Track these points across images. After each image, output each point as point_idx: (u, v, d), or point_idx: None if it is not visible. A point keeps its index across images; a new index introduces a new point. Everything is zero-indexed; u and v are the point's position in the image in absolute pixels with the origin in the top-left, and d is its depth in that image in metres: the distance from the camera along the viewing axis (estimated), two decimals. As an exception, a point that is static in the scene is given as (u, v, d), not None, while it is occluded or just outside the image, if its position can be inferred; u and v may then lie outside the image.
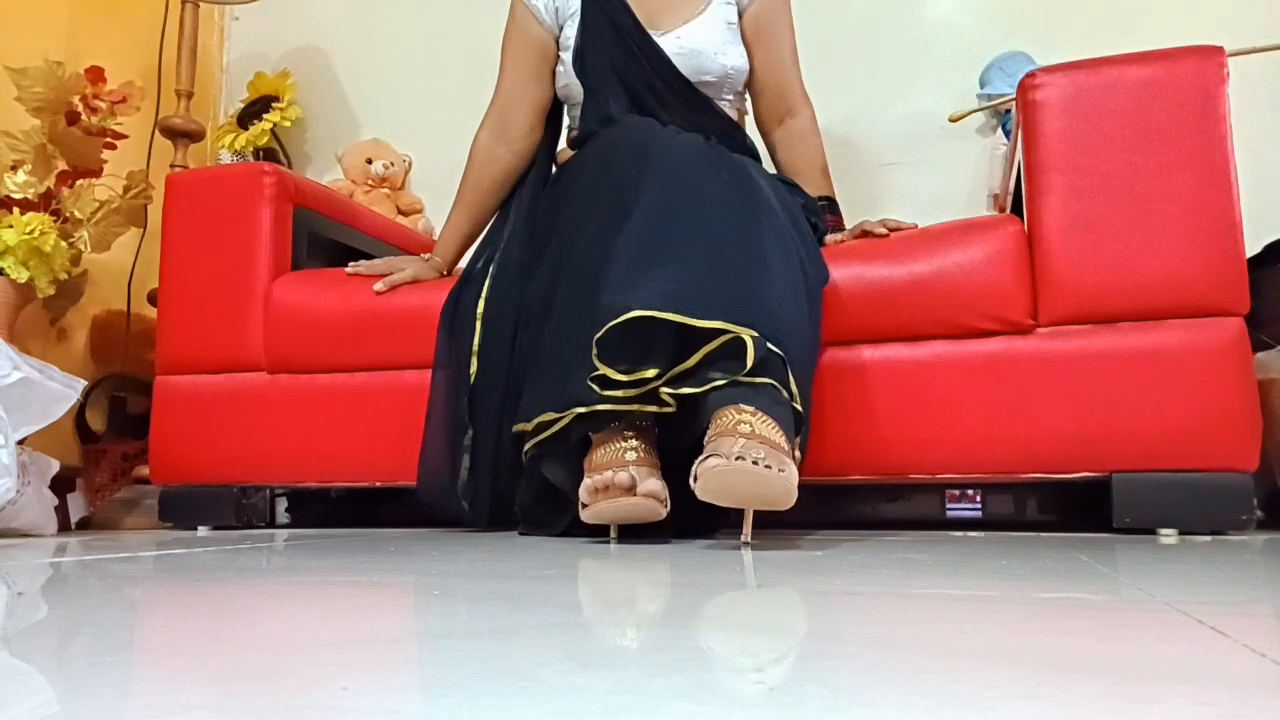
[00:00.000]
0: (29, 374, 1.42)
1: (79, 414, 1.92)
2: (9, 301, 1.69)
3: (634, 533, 1.09)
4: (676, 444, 1.08)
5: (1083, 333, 1.22)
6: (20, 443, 1.44)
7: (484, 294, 1.40)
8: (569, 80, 1.46)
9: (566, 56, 1.46)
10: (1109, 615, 0.53)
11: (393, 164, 2.25)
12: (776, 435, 0.92)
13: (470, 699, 0.33)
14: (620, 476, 1.00)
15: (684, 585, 0.69)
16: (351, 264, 1.57)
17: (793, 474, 0.90)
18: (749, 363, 0.95)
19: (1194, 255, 1.18)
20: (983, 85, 1.95)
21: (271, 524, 1.64)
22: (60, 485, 1.67)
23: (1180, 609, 0.53)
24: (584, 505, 1.05)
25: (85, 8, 2.12)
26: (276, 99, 2.29)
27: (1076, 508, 1.63)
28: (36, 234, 1.65)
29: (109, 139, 1.83)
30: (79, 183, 1.79)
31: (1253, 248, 1.40)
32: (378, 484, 1.50)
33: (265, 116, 2.24)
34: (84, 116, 1.79)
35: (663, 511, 1.02)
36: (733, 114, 1.49)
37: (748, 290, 1.00)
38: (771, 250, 1.07)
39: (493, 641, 0.45)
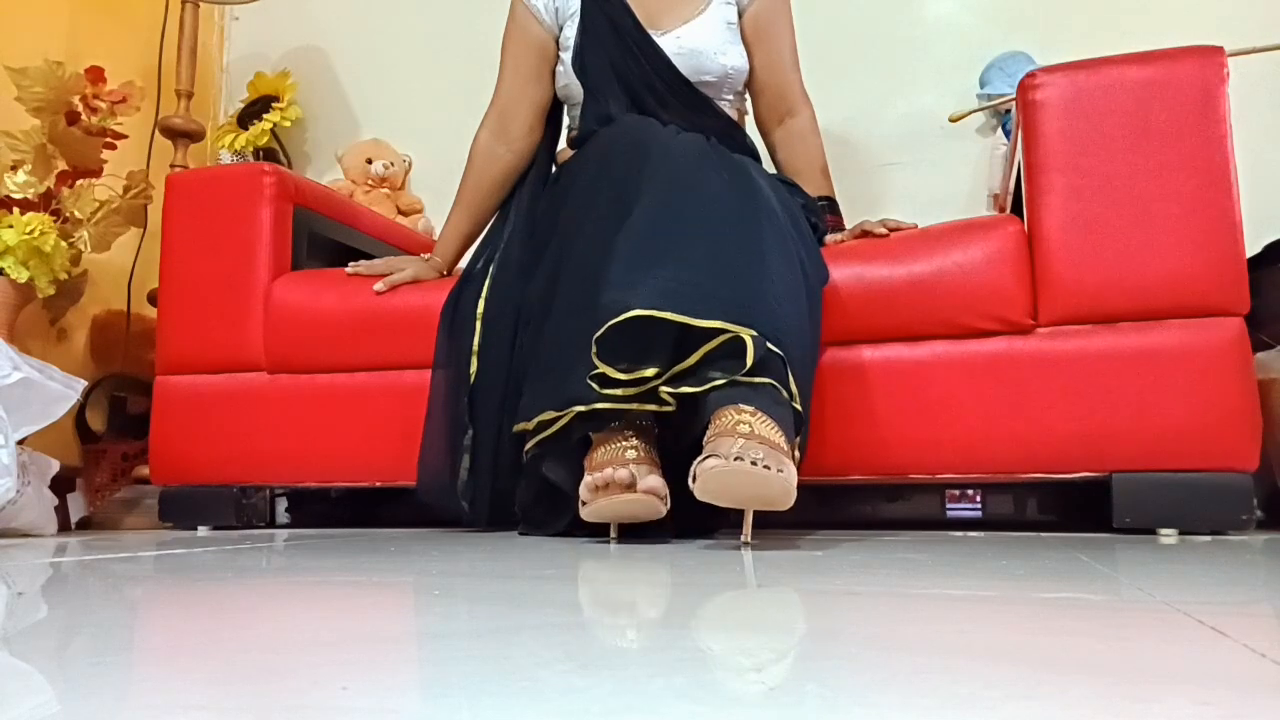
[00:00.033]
0: (29, 374, 1.42)
1: (79, 414, 1.92)
2: (9, 301, 1.69)
3: (634, 533, 1.09)
4: (676, 444, 1.08)
5: (1083, 333, 1.22)
6: (20, 443, 1.44)
7: (484, 294, 1.40)
8: (569, 80, 1.46)
9: (566, 56, 1.46)
10: (1109, 615, 0.53)
11: (393, 164, 2.25)
12: (776, 435, 0.92)
13: (470, 699, 0.33)
14: (620, 473, 1.00)
15: (684, 585, 0.69)
16: (351, 264, 1.57)
17: (791, 474, 0.90)
18: (748, 362, 0.95)
19: (1194, 255, 1.18)
20: (983, 85, 1.95)
21: (271, 524, 1.64)
22: (60, 485, 1.67)
23: (1180, 609, 0.53)
24: (584, 503, 1.05)
25: (85, 8, 2.12)
26: (276, 99, 2.29)
27: (1076, 508, 1.63)
28: (36, 234, 1.65)
29: (109, 139, 1.83)
30: (79, 183, 1.79)
31: (1253, 248, 1.40)
32: (378, 484, 1.51)
33: (265, 116, 2.25)
34: (84, 116, 1.79)
35: (663, 509, 1.02)
36: (733, 114, 1.49)
37: (747, 290, 1.00)
38: (771, 250, 1.07)
39: (493, 641, 0.45)
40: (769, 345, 0.97)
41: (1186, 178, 1.19)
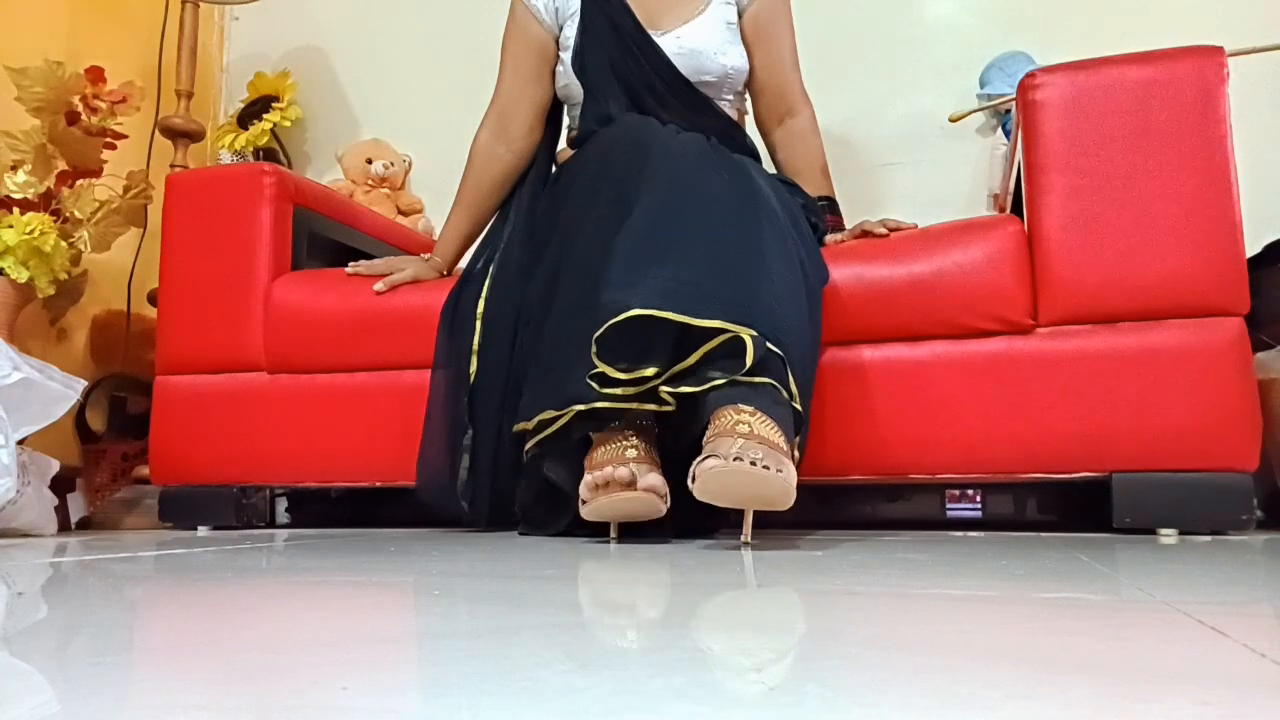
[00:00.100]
0: (29, 374, 1.42)
1: (79, 414, 1.92)
2: (9, 301, 1.69)
3: (634, 533, 1.09)
4: (676, 443, 1.08)
5: (1083, 333, 1.22)
6: (20, 443, 1.44)
7: (484, 294, 1.40)
8: (569, 80, 1.46)
9: (566, 56, 1.46)
10: (1109, 615, 0.53)
11: (393, 164, 2.25)
12: (775, 435, 0.92)
13: (470, 699, 0.33)
14: (620, 472, 1.00)
15: (684, 585, 0.69)
16: (351, 264, 1.57)
17: (791, 474, 0.90)
18: (748, 362, 0.95)
19: (1194, 255, 1.18)
20: (983, 85, 1.95)
21: (271, 524, 1.64)
22: (60, 485, 1.67)
23: (1180, 609, 0.53)
24: (584, 501, 1.05)
25: (85, 8, 2.12)
26: (276, 99, 2.29)
27: (1076, 508, 1.63)
28: (36, 234, 1.65)
29: (109, 139, 1.83)
30: (79, 183, 1.79)
31: (1253, 248, 1.40)
32: (378, 484, 1.51)
33: (265, 116, 2.25)
34: (84, 116, 1.79)
35: (663, 507, 1.02)
36: (733, 114, 1.49)
37: (747, 290, 1.01)
38: (771, 250, 1.07)
39: (493, 641, 0.45)
40: (769, 345, 0.97)
41: (1186, 178, 1.19)
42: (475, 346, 1.37)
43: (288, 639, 0.48)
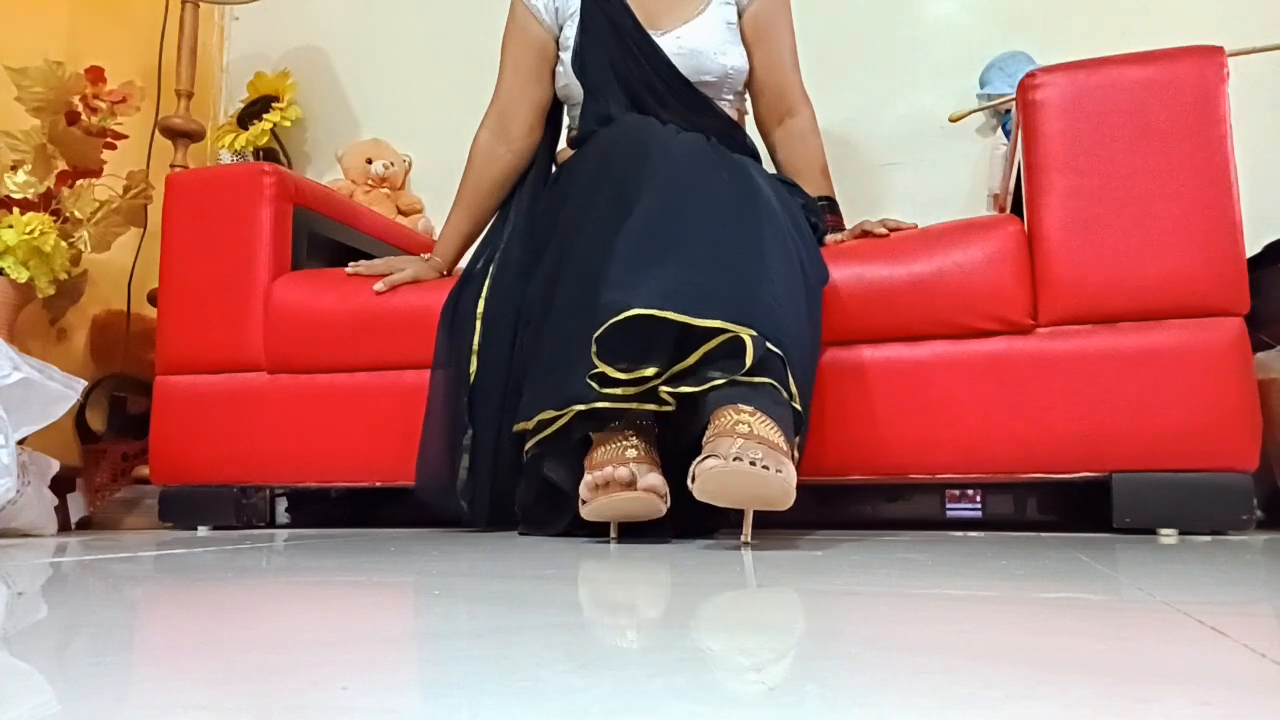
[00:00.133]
0: (29, 374, 1.42)
1: (79, 414, 1.92)
2: (9, 301, 1.69)
3: (634, 533, 1.09)
4: (676, 443, 1.08)
5: (1083, 333, 1.22)
6: (20, 443, 1.44)
7: (484, 294, 1.40)
8: (569, 80, 1.46)
9: (566, 56, 1.46)
10: (1109, 615, 0.53)
11: (393, 164, 2.25)
12: (775, 435, 0.92)
13: (470, 699, 0.33)
14: (620, 472, 1.00)
15: (684, 585, 0.69)
16: (351, 264, 1.57)
17: (790, 474, 0.90)
18: (748, 362, 0.95)
19: (1194, 255, 1.18)
20: (983, 85, 1.95)
21: (271, 524, 1.64)
22: (60, 485, 1.67)
23: (1180, 609, 0.53)
24: (584, 501, 1.05)
25: (85, 8, 2.12)
26: (276, 99, 2.29)
27: (1076, 508, 1.63)
28: (36, 234, 1.65)
29: (109, 139, 1.83)
30: (79, 183, 1.79)
31: (1253, 248, 1.40)
32: (377, 484, 1.50)
33: (265, 116, 2.25)
34: (84, 116, 1.79)
35: (663, 507, 1.02)
36: (733, 114, 1.49)
37: (747, 290, 1.01)
38: (771, 250, 1.07)
39: (493, 641, 0.45)
40: (768, 345, 0.97)
41: (1186, 178, 1.19)
42: (475, 346, 1.37)
43: (288, 639, 0.48)
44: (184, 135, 2.08)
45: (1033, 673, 0.37)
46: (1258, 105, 1.74)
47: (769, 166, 1.49)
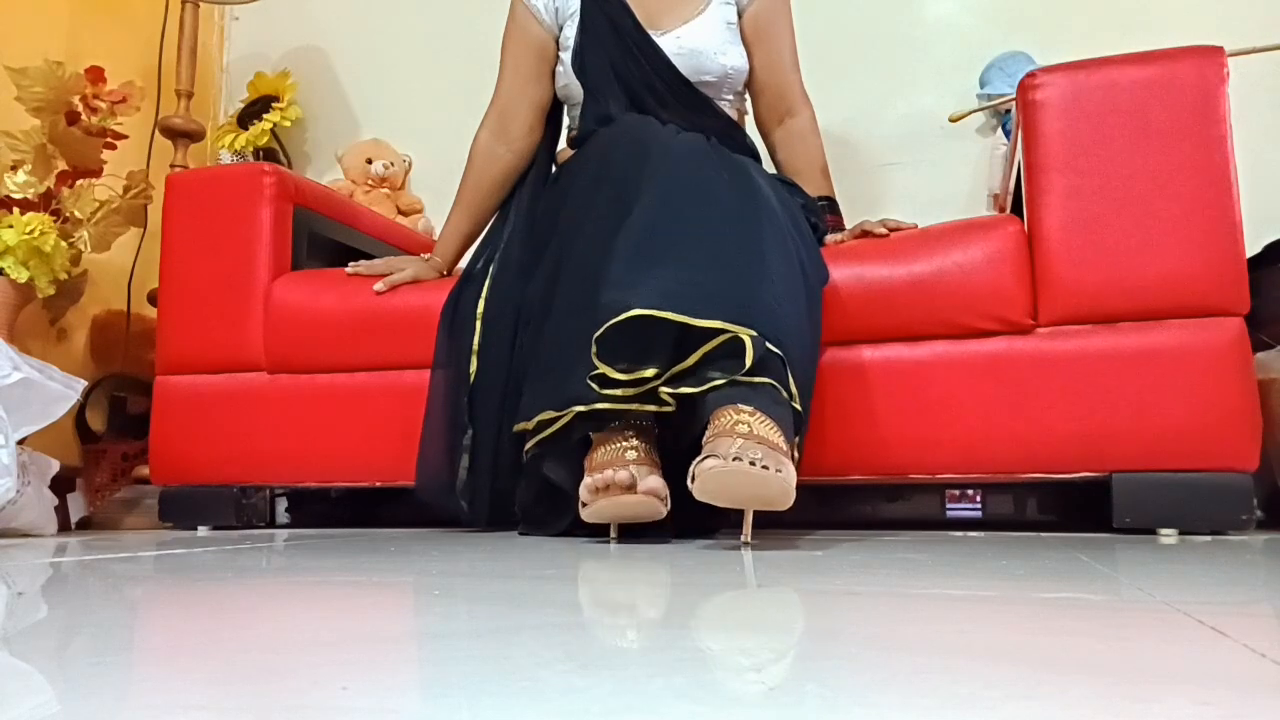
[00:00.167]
0: (29, 374, 1.42)
1: (79, 414, 1.92)
2: (9, 301, 1.69)
3: (634, 533, 1.09)
4: (676, 443, 1.08)
5: (1083, 333, 1.22)
6: (20, 443, 1.44)
7: (484, 294, 1.40)
8: (569, 80, 1.46)
9: (566, 56, 1.46)
10: (1109, 615, 0.53)
11: (393, 164, 2.25)
12: (775, 435, 0.92)
13: (470, 699, 0.33)
14: (620, 475, 1.00)
15: (684, 585, 0.69)
16: (351, 264, 1.57)
17: (790, 474, 0.90)
18: (748, 362, 0.95)
19: (1194, 255, 1.18)
20: (983, 85, 1.95)
21: (271, 524, 1.64)
22: (60, 485, 1.67)
23: (1180, 609, 0.53)
24: (584, 504, 1.05)
25: (85, 8, 2.12)
26: (276, 99, 2.29)
27: (1076, 508, 1.63)
28: (36, 234, 1.65)
29: (109, 139, 1.83)
30: (79, 183, 1.79)
31: (1253, 248, 1.40)
32: (378, 484, 1.50)
33: (265, 116, 2.25)
34: (84, 116, 1.79)
35: (663, 510, 1.02)
36: (733, 114, 1.49)
37: (747, 290, 1.00)
38: (771, 250, 1.07)
39: (493, 641, 0.45)
40: (768, 345, 0.97)
41: (1186, 178, 1.19)
42: (475, 346, 1.37)
43: (288, 639, 0.48)
44: (184, 135, 2.08)
45: (1033, 673, 0.37)
46: (1258, 105, 1.74)
47: (769, 166, 1.49)
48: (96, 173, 1.82)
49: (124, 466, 1.91)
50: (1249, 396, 1.16)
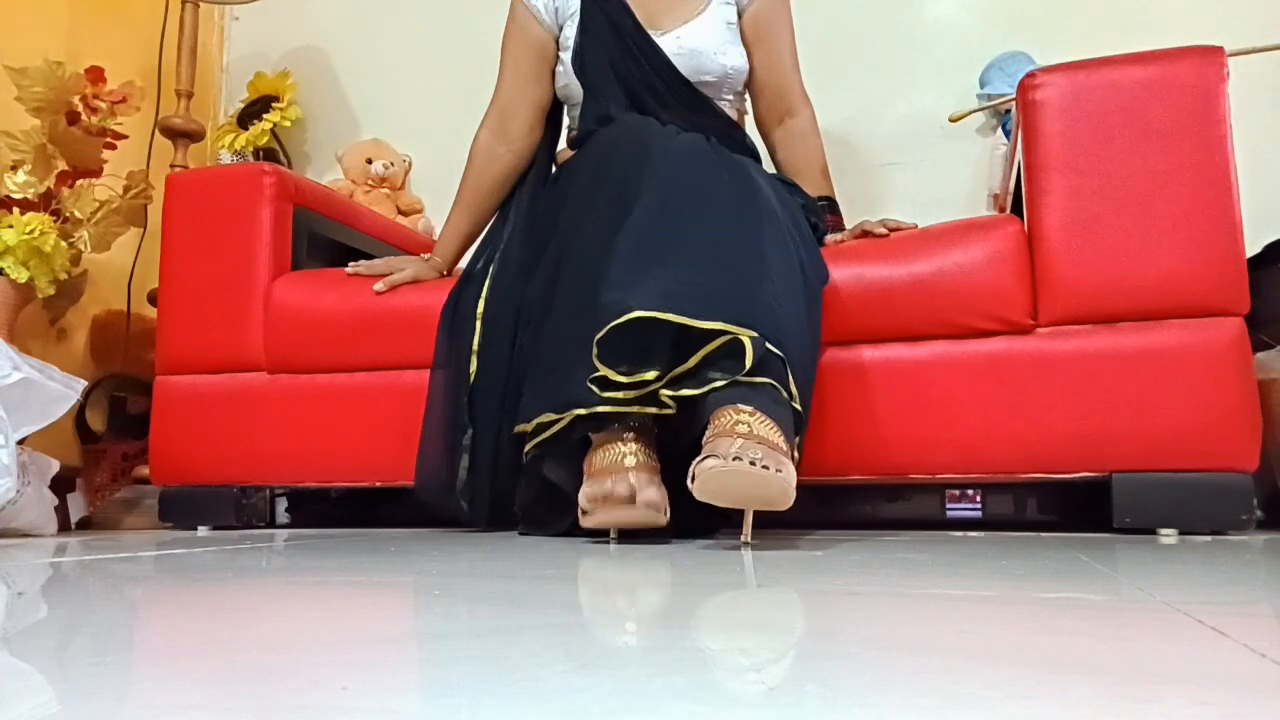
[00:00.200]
0: (29, 374, 1.42)
1: (79, 414, 1.92)
2: (9, 301, 1.69)
3: (634, 533, 1.09)
4: (676, 444, 1.08)
5: (1082, 333, 1.22)
6: (20, 443, 1.44)
7: (484, 294, 1.40)
8: (569, 80, 1.46)
9: (566, 56, 1.46)
10: (1109, 615, 0.53)
11: (393, 164, 2.25)
12: (775, 435, 0.92)
13: (470, 699, 0.33)
14: (619, 487, 1.00)
15: (684, 585, 0.69)
16: (351, 264, 1.56)
17: (790, 474, 0.90)
18: (748, 363, 0.95)
19: (1194, 255, 1.18)
20: (983, 85, 1.95)
21: (271, 524, 1.64)
22: (60, 485, 1.67)
23: (1180, 609, 0.53)
24: (584, 512, 1.05)
25: (85, 8, 2.12)
26: (276, 99, 2.29)
27: (1076, 508, 1.63)
28: (36, 234, 1.65)
29: (109, 139, 1.83)
30: (79, 183, 1.79)
31: (1253, 248, 1.40)
32: (377, 484, 1.50)
33: (265, 116, 2.25)
34: (84, 116, 1.79)
35: (662, 520, 1.02)
36: (733, 114, 1.49)
37: (747, 291, 1.00)
38: (771, 250, 1.07)
39: (493, 641, 0.45)
40: (768, 346, 0.97)
41: (1186, 178, 1.19)
42: (475, 346, 1.37)
43: (288, 639, 0.48)
44: (184, 135, 2.08)
45: (1033, 673, 0.37)
46: (1258, 105, 1.74)
47: (769, 166, 1.49)
48: (96, 173, 1.82)
49: (124, 466, 1.91)
50: (1249, 396, 1.16)
